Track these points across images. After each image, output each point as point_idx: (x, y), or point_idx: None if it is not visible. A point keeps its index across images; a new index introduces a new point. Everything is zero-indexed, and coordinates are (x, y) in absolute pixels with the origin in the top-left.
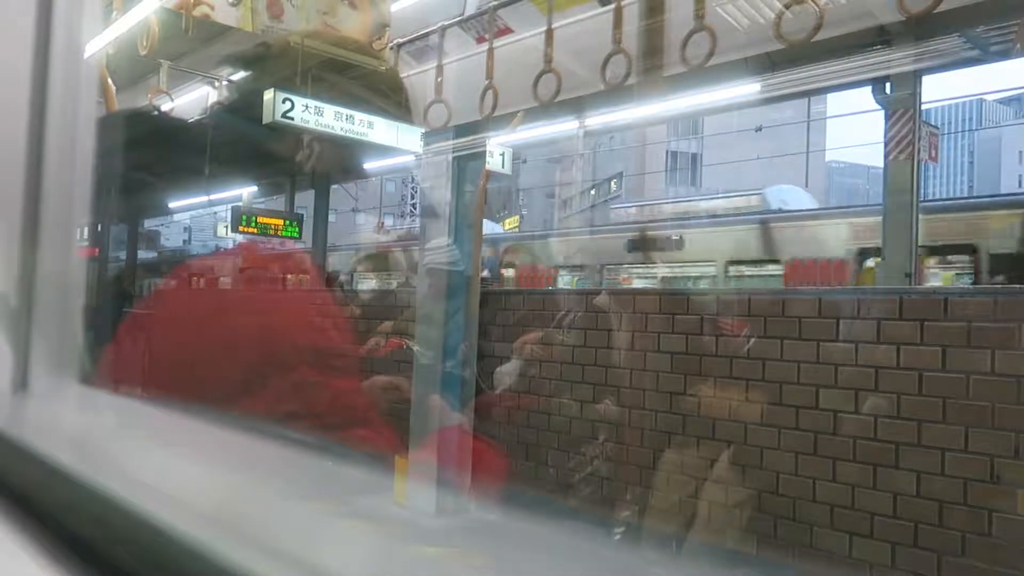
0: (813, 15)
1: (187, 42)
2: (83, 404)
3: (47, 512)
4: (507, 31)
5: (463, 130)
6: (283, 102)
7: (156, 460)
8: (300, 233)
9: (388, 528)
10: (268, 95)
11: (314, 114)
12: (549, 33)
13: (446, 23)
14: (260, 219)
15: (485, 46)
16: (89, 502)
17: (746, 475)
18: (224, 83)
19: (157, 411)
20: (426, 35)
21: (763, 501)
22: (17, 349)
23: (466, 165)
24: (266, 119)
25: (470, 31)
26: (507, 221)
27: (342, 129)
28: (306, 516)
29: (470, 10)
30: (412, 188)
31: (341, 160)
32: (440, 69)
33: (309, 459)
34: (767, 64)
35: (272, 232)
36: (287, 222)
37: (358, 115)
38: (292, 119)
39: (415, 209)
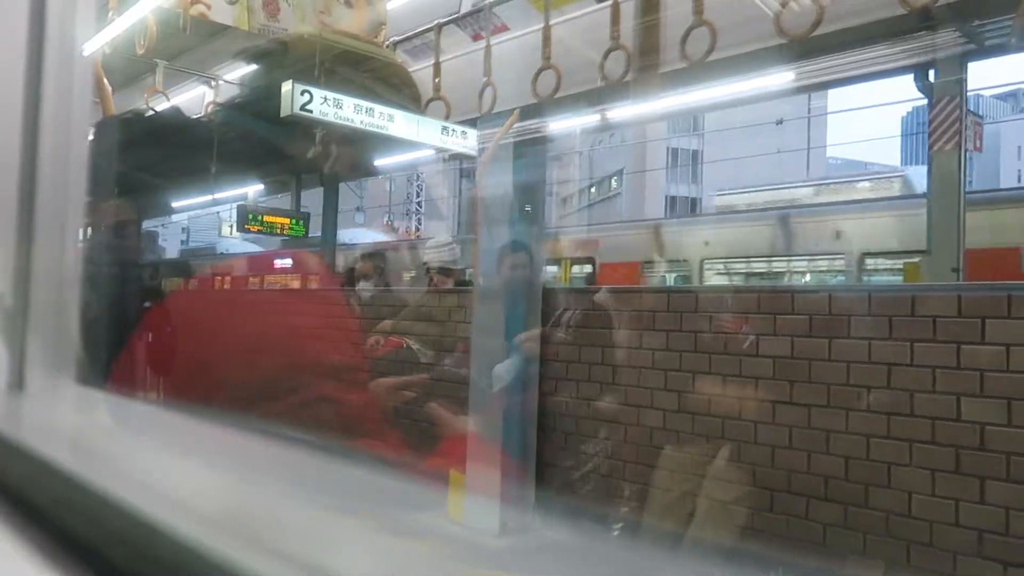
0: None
1: (185, 40)
2: (79, 403)
3: (43, 511)
4: (503, 28)
5: (522, 113)
6: (301, 94)
7: (153, 460)
8: (306, 232)
9: (451, 549)
10: (286, 87)
11: (333, 107)
12: (547, 30)
13: (442, 21)
14: (266, 218)
15: (491, 41)
16: (85, 501)
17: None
18: (220, 82)
19: (154, 410)
20: (422, 33)
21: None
22: (13, 348)
23: (525, 151)
24: (284, 112)
25: (466, 29)
26: None
27: (361, 122)
28: (349, 531)
29: (466, 7)
30: (418, 186)
31: (352, 157)
32: (437, 68)
33: (324, 463)
34: (802, 52)
35: (278, 231)
36: (293, 221)
37: (378, 108)
38: (311, 112)
39: (420, 208)
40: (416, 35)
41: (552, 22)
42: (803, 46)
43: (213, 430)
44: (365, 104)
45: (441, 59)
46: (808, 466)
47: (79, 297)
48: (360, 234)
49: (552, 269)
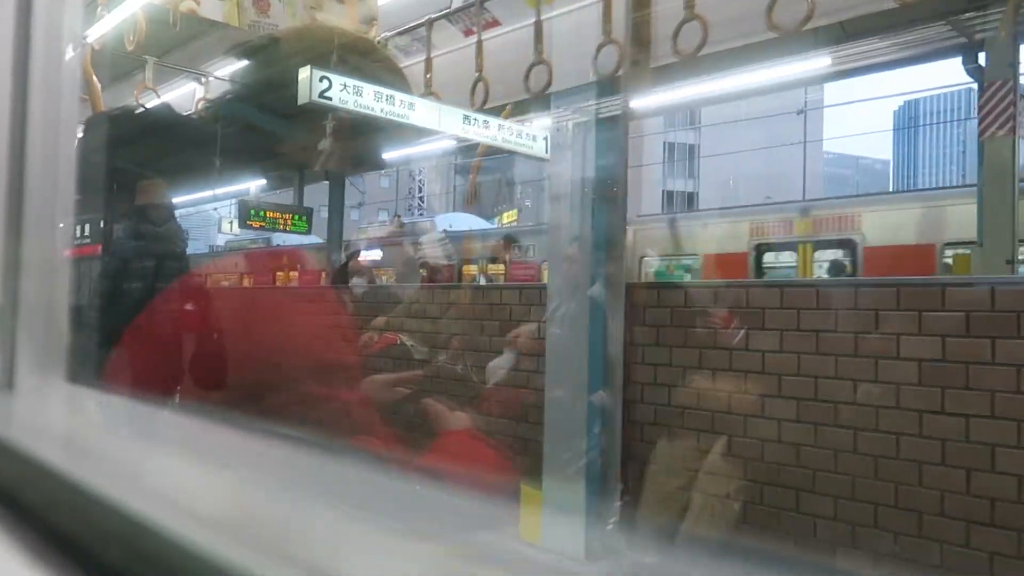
0: None
1: (175, 36)
2: (70, 402)
3: (34, 512)
4: (495, 24)
5: (600, 91)
6: (320, 80)
7: (146, 459)
8: (309, 228)
9: None
10: (304, 74)
11: (353, 94)
12: (539, 25)
13: (434, 16)
14: (268, 213)
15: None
16: (77, 501)
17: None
18: (211, 79)
19: (147, 409)
20: (414, 28)
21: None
22: (2, 347)
23: (604, 129)
24: (302, 99)
25: (457, 24)
26: (505, 216)
27: (382, 110)
28: (395, 548)
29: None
30: (420, 181)
31: (359, 150)
32: (428, 63)
33: (342, 467)
34: (841, 36)
35: (280, 227)
36: (296, 216)
37: (398, 96)
38: (330, 99)
39: (423, 203)
40: (407, 31)
41: (544, 17)
42: (844, 29)
43: (208, 429)
44: (386, 92)
45: (433, 54)
46: (967, 487)
47: (104, 298)
48: (457, 219)
49: (774, 257)
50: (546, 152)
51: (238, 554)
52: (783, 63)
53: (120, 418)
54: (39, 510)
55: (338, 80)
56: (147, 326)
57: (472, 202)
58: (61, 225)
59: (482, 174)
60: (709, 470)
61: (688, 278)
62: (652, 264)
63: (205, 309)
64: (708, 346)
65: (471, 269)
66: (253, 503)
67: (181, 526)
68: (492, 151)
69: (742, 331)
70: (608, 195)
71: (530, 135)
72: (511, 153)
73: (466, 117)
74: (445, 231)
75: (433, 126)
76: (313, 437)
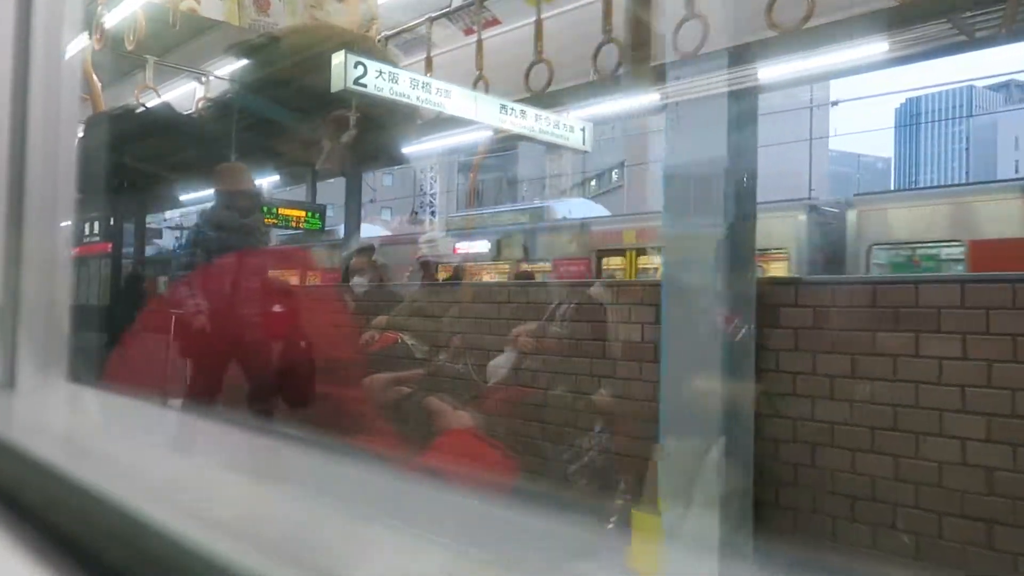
0: None
1: (175, 36)
2: (71, 401)
3: (35, 511)
4: (495, 23)
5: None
6: (355, 67)
7: (148, 458)
8: (323, 225)
9: None
10: (337, 59)
11: (388, 81)
12: (539, 24)
13: (433, 15)
14: (281, 211)
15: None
16: (78, 501)
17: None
18: (211, 78)
19: (148, 408)
20: (414, 27)
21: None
22: (3, 346)
23: (737, 104)
24: (335, 87)
25: (457, 23)
26: None
27: (417, 98)
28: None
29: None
30: (432, 177)
31: (380, 143)
32: (428, 62)
33: (343, 466)
34: (896, 19)
35: (294, 224)
36: (309, 213)
37: (435, 83)
38: (365, 86)
39: (434, 200)
40: (407, 29)
41: (544, 16)
42: (907, 10)
43: (210, 428)
44: (422, 79)
45: (433, 53)
46: None
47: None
48: (577, 205)
49: None
50: (583, 143)
51: (239, 553)
52: (847, 47)
53: (121, 417)
54: (39, 510)
55: (374, 66)
56: (217, 332)
57: (472, 201)
58: (62, 224)
59: (484, 172)
60: (871, 496)
61: (945, 271)
62: (882, 255)
63: (286, 316)
64: (863, 352)
65: (614, 262)
66: (254, 502)
67: (182, 526)
68: (493, 149)
69: (909, 335)
70: (740, 177)
71: (568, 126)
72: (550, 145)
73: (503, 106)
74: (564, 218)
75: (469, 115)
76: (318, 437)
